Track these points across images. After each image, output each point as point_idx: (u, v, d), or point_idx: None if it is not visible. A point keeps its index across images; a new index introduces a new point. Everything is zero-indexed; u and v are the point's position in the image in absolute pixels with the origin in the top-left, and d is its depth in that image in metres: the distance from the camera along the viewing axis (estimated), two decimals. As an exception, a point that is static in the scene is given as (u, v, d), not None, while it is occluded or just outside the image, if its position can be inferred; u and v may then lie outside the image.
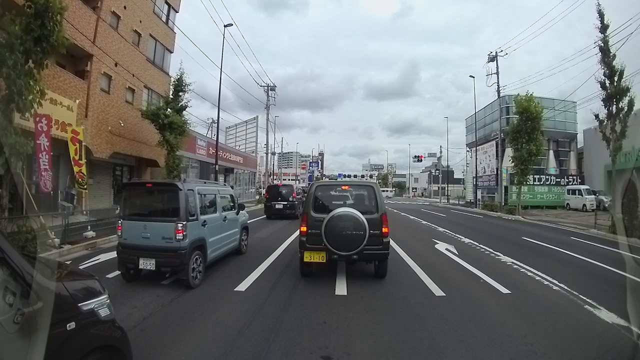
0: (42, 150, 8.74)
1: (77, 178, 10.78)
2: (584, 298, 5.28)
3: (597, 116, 14.26)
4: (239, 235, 7.95)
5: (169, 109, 15.15)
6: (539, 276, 6.57)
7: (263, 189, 31.80)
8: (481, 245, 9.93)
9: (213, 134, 27.22)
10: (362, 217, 5.54)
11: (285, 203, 17.20)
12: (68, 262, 6.57)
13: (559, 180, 29.13)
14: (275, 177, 47.81)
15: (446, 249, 9.30)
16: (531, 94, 21.23)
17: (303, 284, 5.89)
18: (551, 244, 10.43)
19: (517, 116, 21.30)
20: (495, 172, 29.01)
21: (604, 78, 13.71)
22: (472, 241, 10.74)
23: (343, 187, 6.58)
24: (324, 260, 5.78)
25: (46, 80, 9.11)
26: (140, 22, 16.72)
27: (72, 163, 10.68)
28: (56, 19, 7.44)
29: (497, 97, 27.08)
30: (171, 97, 16.09)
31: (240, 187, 33.12)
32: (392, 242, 7.49)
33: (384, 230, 5.82)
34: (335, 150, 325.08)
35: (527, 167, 21.23)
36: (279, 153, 57.46)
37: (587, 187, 25.33)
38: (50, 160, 9.03)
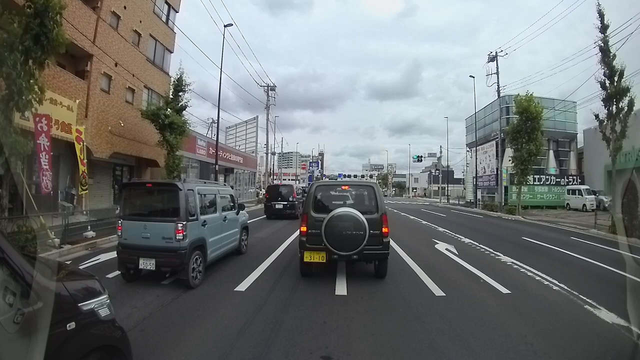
0: (42, 150, 8.74)
1: (81, 178, 10.75)
2: (584, 298, 5.29)
3: (597, 116, 14.27)
4: (239, 235, 7.95)
5: (169, 109, 15.16)
6: (539, 276, 6.57)
7: (263, 189, 31.79)
8: (481, 245, 9.92)
9: (213, 134, 27.25)
10: (362, 217, 5.54)
11: (285, 203, 17.20)
12: (68, 262, 6.58)
13: (559, 180, 29.13)
14: (275, 177, 47.82)
15: (446, 249, 9.29)
16: (531, 94, 21.26)
17: (303, 284, 5.89)
18: (551, 244, 10.42)
19: (517, 116, 21.33)
20: (495, 172, 28.99)
21: (604, 78, 13.72)
22: (472, 241, 10.73)
23: (343, 187, 6.59)
24: (324, 260, 5.78)
25: (46, 80, 9.09)
26: (140, 22, 16.72)
27: (79, 163, 10.67)
28: (56, 18, 7.44)
29: (497, 97, 27.10)
30: (171, 97, 16.10)
31: (240, 187, 33.12)
32: (392, 242, 7.49)
33: (384, 230, 5.82)
34: (336, 150, 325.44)
35: (527, 167, 21.23)
36: (279, 153, 57.52)
37: (587, 187, 25.32)
38: (50, 160, 9.03)
